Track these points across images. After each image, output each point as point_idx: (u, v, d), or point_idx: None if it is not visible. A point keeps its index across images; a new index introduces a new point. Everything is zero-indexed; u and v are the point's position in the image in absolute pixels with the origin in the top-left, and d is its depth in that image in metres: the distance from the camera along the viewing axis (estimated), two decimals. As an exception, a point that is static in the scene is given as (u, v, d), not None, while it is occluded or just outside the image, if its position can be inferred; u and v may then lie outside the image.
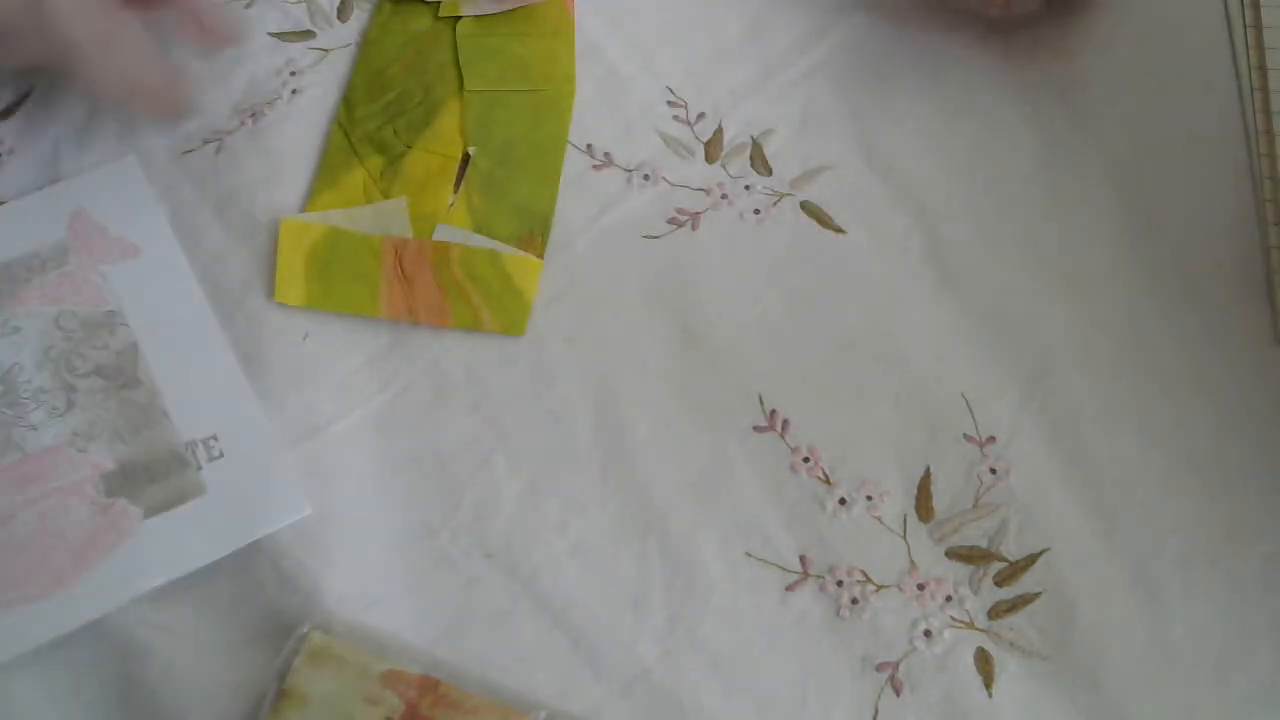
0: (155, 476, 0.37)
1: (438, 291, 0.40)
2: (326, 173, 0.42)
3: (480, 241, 0.40)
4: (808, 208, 0.42)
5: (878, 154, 0.42)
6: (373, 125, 0.43)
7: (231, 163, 0.43)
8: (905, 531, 0.36)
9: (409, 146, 0.42)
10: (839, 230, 0.41)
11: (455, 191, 0.42)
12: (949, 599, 0.35)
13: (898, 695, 0.34)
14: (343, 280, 0.40)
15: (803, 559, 0.36)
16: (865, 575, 0.36)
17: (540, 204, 0.41)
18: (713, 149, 0.43)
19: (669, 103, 0.44)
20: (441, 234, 0.41)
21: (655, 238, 0.41)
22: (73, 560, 0.36)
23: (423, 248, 0.40)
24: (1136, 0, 0.45)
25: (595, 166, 0.43)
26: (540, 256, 0.40)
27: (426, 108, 0.43)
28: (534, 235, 0.41)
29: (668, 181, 0.42)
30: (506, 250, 0.40)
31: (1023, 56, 0.44)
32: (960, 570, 0.36)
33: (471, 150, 0.42)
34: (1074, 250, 0.40)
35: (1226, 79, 0.44)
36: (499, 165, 0.42)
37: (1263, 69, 0.43)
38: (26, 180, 0.43)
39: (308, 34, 0.46)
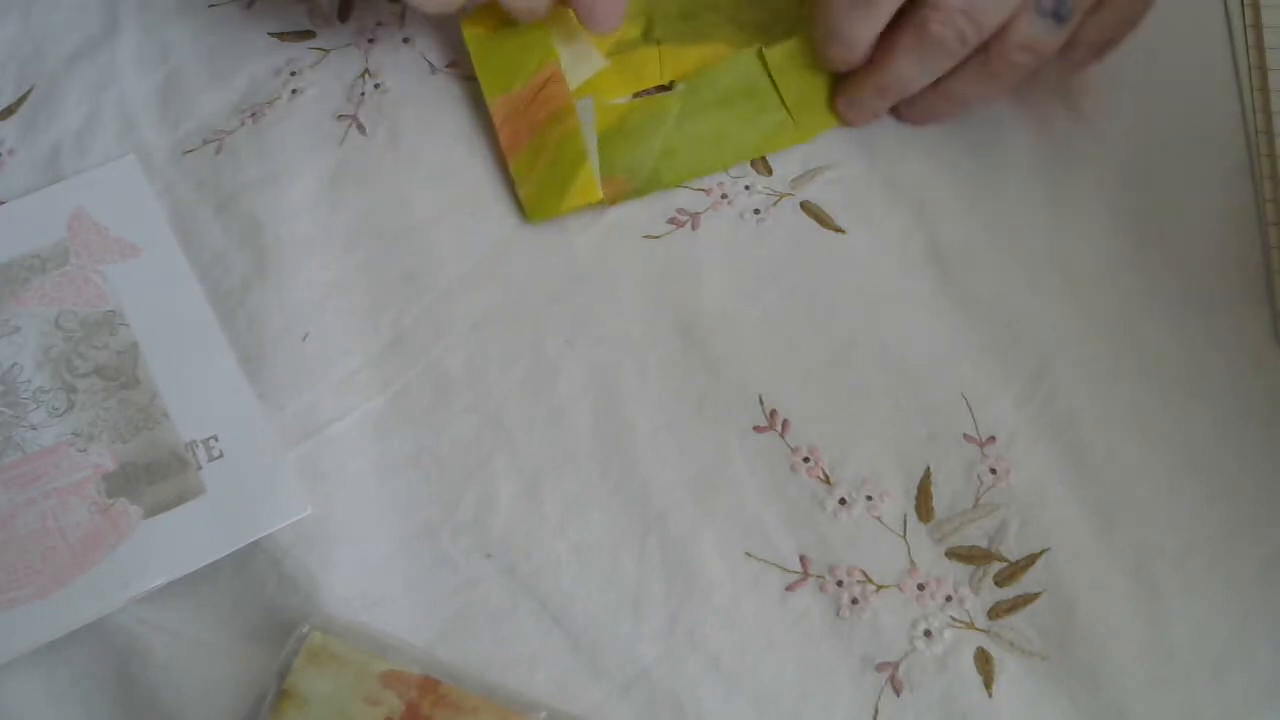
0: (155, 476, 0.37)
1: (530, 133, 0.41)
2: None
3: (590, 139, 0.41)
4: (808, 208, 0.42)
5: (878, 154, 0.42)
6: (674, 3, 0.44)
7: (231, 163, 0.43)
8: (905, 531, 0.36)
9: (659, 42, 0.43)
10: (839, 230, 0.41)
11: (632, 95, 0.42)
12: (949, 599, 0.35)
13: (898, 695, 0.34)
14: (502, 54, 0.42)
15: (803, 559, 0.36)
16: (865, 575, 0.36)
17: (659, 173, 0.41)
18: (713, 149, 0.43)
19: (669, 103, 0.44)
20: (581, 105, 0.41)
21: (655, 238, 0.41)
22: (73, 560, 0.36)
23: (561, 98, 0.41)
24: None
25: (595, 166, 0.43)
26: (607, 201, 0.41)
27: (710, 27, 0.43)
28: (625, 182, 0.41)
29: (668, 181, 0.42)
30: (594, 166, 0.41)
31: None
32: (960, 570, 0.36)
33: (679, 85, 0.42)
34: (1074, 250, 0.40)
35: (1226, 79, 0.44)
36: (678, 114, 0.42)
37: (1263, 69, 0.43)
38: (26, 180, 0.43)
39: (308, 34, 0.46)
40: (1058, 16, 0.37)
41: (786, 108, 0.42)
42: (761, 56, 0.42)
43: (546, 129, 0.41)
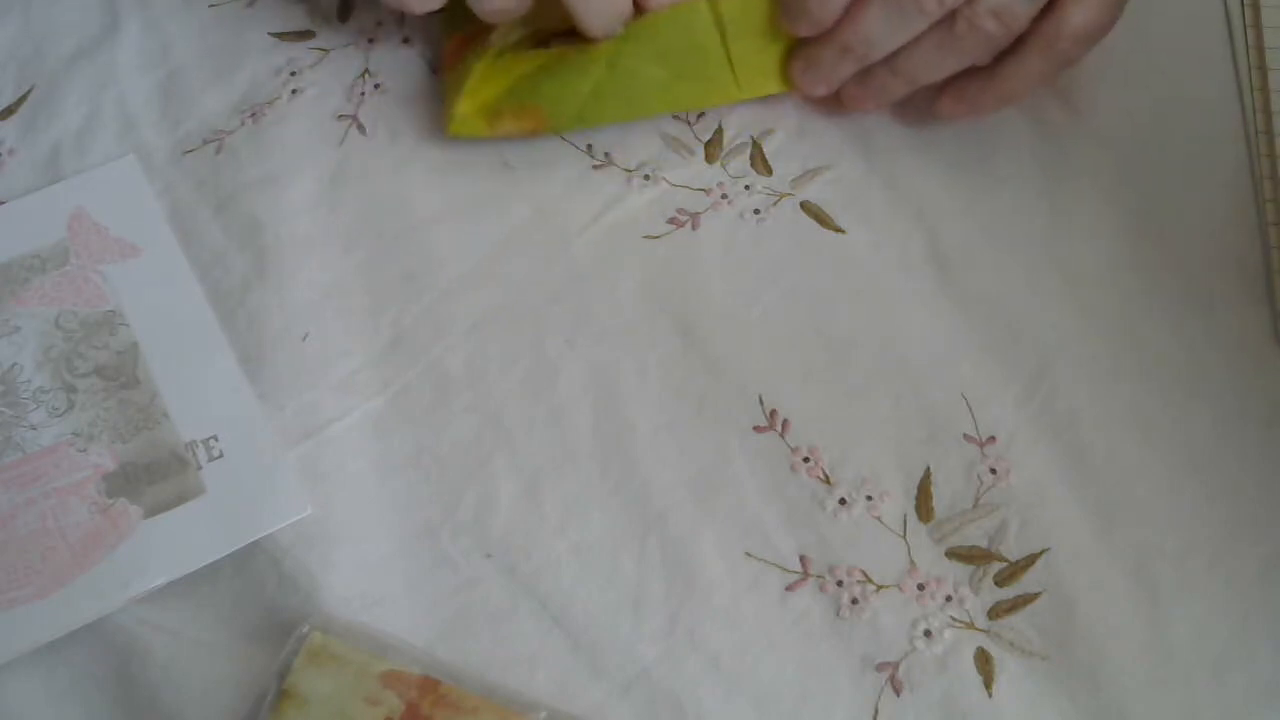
0: (155, 476, 0.37)
1: (459, 60, 0.41)
2: None
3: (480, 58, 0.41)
4: (808, 208, 0.42)
5: (878, 154, 0.42)
6: None
7: (231, 163, 0.43)
8: (905, 531, 0.36)
9: None
10: (839, 230, 0.41)
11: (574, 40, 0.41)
12: (949, 599, 0.35)
13: (898, 695, 0.34)
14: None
15: (803, 559, 0.36)
16: (865, 575, 0.36)
17: (583, 113, 0.41)
18: (712, 149, 0.43)
19: (669, 103, 0.44)
20: (496, 37, 0.41)
21: (655, 238, 0.41)
22: (73, 560, 0.36)
23: (487, 29, 0.41)
24: (1136, 1, 0.45)
25: (595, 166, 0.43)
26: (522, 131, 0.41)
27: None
28: (547, 116, 0.41)
29: (668, 181, 0.42)
30: (468, 89, 0.41)
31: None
32: (960, 570, 0.36)
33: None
34: (1074, 250, 0.40)
35: (1226, 79, 0.44)
36: (610, 58, 0.40)
37: (1263, 69, 0.43)
38: (26, 180, 0.43)
39: (308, 34, 0.46)
40: None
41: (731, 65, 0.41)
42: (715, 9, 0.39)
43: (469, 55, 0.41)
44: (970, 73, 0.40)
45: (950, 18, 0.37)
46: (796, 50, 0.41)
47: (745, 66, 0.41)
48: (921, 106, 0.42)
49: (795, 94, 0.42)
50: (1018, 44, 0.38)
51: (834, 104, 0.42)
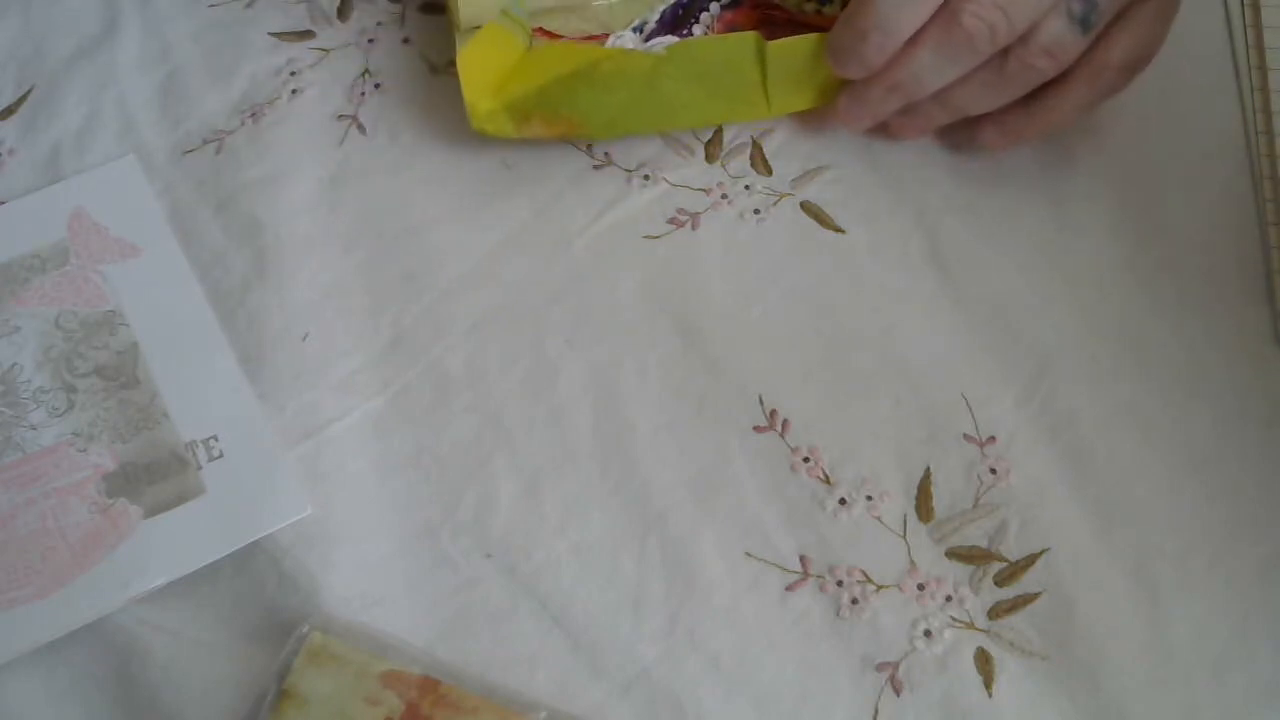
0: (155, 476, 0.37)
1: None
2: None
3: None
4: (808, 208, 0.42)
5: (878, 154, 0.42)
6: None
7: (231, 163, 0.43)
8: (905, 531, 0.36)
9: None
10: (839, 230, 0.41)
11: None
12: (949, 599, 0.35)
13: (898, 695, 0.34)
14: None
15: (803, 559, 0.36)
16: (865, 575, 0.36)
17: (614, 123, 0.41)
18: (712, 149, 0.43)
19: (669, 103, 0.44)
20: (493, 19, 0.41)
21: (655, 238, 0.41)
22: (73, 560, 0.36)
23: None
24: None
25: (595, 166, 0.43)
26: (538, 131, 0.41)
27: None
28: (579, 124, 0.41)
29: (668, 181, 0.42)
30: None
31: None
32: (960, 570, 0.36)
33: (658, 44, 0.41)
34: (1074, 250, 0.40)
35: (1226, 79, 0.44)
36: (650, 75, 0.40)
37: (1263, 69, 0.43)
38: (26, 180, 0.43)
39: (308, 34, 0.46)
40: (1085, 23, 0.36)
41: (766, 92, 0.41)
42: (760, 44, 0.40)
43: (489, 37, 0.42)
44: (1012, 103, 0.40)
45: (1002, 55, 0.37)
46: (842, 86, 0.41)
47: (778, 92, 0.41)
48: (960, 134, 0.42)
49: (828, 118, 0.42)
50: (1063, 74, 0.38)
51: (875, 130, 0.42)
